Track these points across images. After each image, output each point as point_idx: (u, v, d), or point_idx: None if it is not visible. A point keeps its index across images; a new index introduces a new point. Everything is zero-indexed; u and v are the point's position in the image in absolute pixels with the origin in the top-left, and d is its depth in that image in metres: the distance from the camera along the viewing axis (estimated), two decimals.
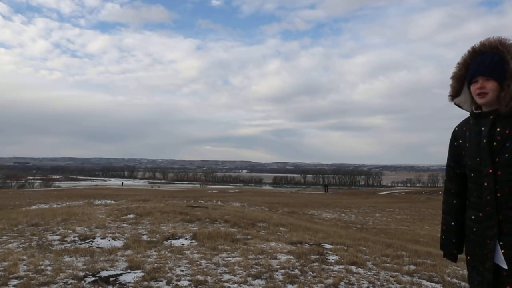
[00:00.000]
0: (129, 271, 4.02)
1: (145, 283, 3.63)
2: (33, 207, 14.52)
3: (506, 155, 1.67)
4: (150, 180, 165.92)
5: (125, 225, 7.22)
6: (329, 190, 64.30)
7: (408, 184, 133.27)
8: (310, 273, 4.08)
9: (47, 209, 11.13)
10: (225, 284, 3.66)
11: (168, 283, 3.65)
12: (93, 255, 4.77)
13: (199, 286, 3.59)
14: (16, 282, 3.63)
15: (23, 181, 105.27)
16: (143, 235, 6.21)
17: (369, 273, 4.19)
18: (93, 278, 3.75)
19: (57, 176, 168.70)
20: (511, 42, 1.77)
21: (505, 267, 1.68)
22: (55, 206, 13.74)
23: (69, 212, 8.87)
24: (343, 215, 20.49)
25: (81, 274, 3.87)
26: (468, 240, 1.87)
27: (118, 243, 5.57)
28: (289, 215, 17.43)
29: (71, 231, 6.28)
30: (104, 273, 3.92)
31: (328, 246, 5.68)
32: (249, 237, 6.23)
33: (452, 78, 1.91)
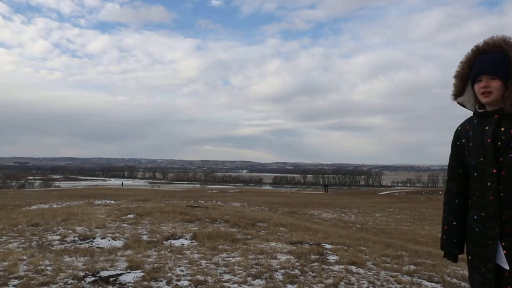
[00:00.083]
0: (129, 271, 4.02)
1: (145, 283, 3.62)
2: (33, 207, 14.51)
3: (510, 155, 1.66)
4: (150, 180, 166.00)
5: (125, 225, 7.21)
6: (329, 190, 64.29)
7: (408, 184, 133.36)
8: (310, 273, 4.08)
9: (47, 209, 11.13)
10: (225, 284, 3.65)
11: (168, 283, 3.64)
12: (93, 255, 4.77)
13: (199, 286, 3.59)
14: (16, 282, 3.62)
15: (23, 181, 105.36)
16: (143, 235, 6.21)
17: (369, 273, 4.18)
18: (93, 278, 3.75)
19: (57, 176, 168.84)
20: None
21: (507, 267, 1.67)
22: (55, 206, 13.73)
23: (69, 212, 8.87)
24: (343, 215, 20.48)
25: (81, 274, 3.86)
26: (470, 240, 1.86)
27: (118, 243, 5.57)
28: (289, 215, 17.42)
29: (71, 231, 6.28)
30: (104, 273, 3.91)
31: (328, 246, 5.67)
32: (249, 237, 6.22)
33: (455, 77, 1.90)
